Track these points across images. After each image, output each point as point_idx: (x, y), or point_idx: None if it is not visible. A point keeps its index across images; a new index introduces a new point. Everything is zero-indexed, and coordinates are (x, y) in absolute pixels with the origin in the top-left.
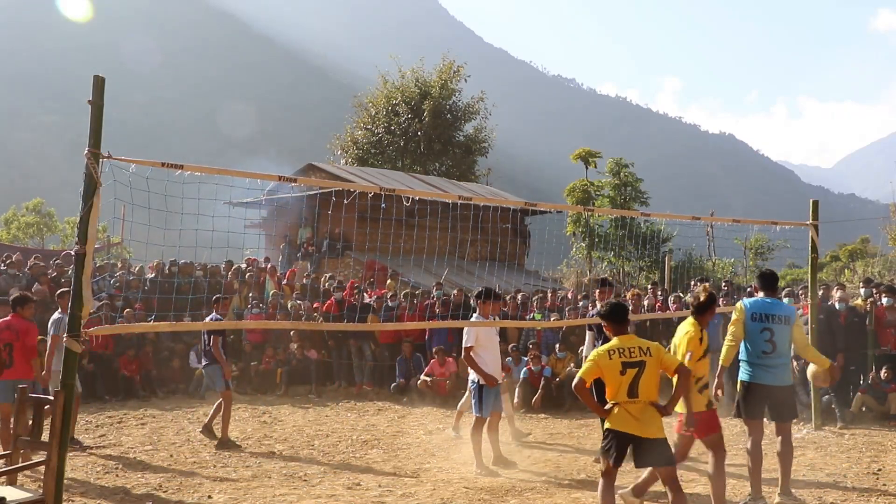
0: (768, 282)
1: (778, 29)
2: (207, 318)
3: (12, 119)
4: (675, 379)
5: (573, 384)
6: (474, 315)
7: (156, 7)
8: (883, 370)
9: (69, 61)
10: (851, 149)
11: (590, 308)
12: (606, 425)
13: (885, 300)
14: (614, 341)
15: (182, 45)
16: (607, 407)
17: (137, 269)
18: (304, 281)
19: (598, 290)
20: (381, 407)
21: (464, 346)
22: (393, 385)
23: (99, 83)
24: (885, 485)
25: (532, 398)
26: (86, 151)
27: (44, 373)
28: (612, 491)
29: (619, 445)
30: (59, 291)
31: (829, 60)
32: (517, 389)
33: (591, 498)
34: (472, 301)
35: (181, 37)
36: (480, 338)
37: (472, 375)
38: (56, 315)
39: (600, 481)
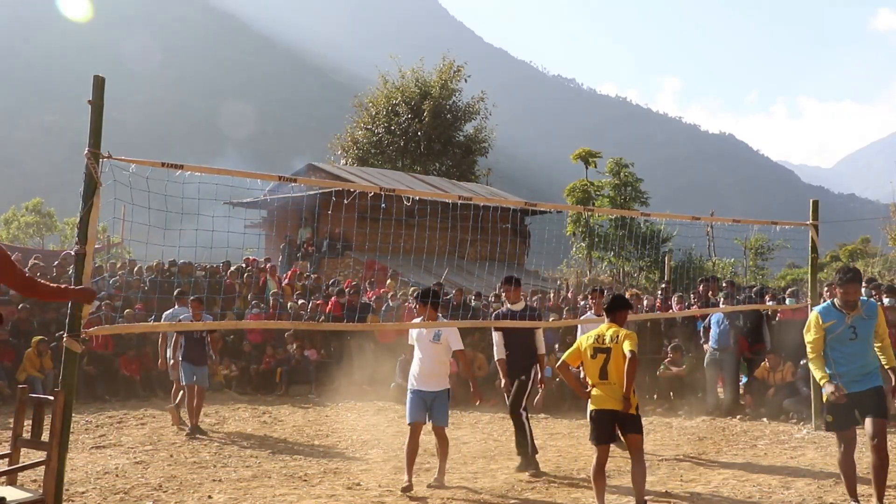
0: None
1: (777, 29)
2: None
3: (12, 119)
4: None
5: (556, 365)
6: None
7: (156, 7)
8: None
9: (69, 61)
10: (851, 149)
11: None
12: (590, 407)
13: (886, 300)
14: (598, 328)
15: (182, 45)
16: (588, 389)
17: (136, 268)
18: (305, 281)
19: (504, 287)
20: (381, 407)
21: (455, 348)
22: (393, 385)
23: (99, 83)
24: (886, 484)
25: (532, 399)
26: (86, 151)
27: (159, 361)
28: (604, 472)
29: (602, 424)
30: (188, 296)
31: (828, 60)
32: None
33: (590, 498)
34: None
35: (181, 37)
36: (415, 341)
37: None
38: (170, 311)
39: (593, 463)
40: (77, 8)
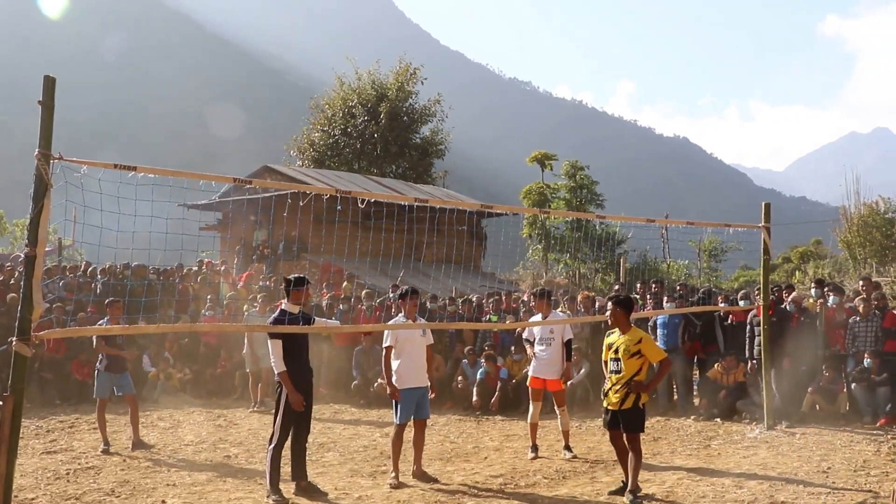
0: None
1: (728, 33)
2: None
3: None
4: None
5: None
6: (400, 316)
7: (109, 6)
8: (824, 370)
9: (19, 60)
10: (802, 152)
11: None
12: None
13: (830, 300)
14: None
15: (136, 46)
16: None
17: (90, 270)
18: (260, 283)
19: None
20: (337, 409)
21: (383, 345)
22: (354, 384)
23: (49, 83)
24: (833, 482)
25: (489, 400)
26: (36, 152)
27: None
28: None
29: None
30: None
31: (779, 65)
32: (474, 390)
33: (545, 499)
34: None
35: (135, 37)
36: (400, 340)
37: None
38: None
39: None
40: (28, 6)
